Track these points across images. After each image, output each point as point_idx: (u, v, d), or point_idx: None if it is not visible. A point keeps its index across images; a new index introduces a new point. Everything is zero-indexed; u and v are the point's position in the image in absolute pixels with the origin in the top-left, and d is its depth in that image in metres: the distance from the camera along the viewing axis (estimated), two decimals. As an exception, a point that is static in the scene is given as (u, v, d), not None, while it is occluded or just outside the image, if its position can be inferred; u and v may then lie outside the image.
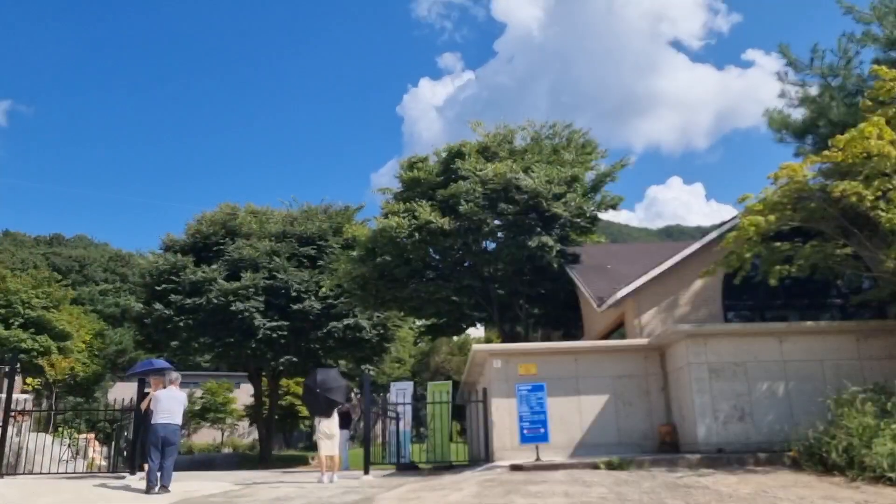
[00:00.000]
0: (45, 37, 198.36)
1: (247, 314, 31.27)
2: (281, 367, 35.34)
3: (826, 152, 12.80)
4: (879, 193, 11.82)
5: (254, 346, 31.94)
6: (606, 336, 18.85)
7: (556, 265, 21.13)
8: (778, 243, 13.20)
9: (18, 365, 21.91)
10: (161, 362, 14.43)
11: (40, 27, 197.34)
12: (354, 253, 24.28)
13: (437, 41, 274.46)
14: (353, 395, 13.30)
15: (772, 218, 12.85)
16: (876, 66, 13.68)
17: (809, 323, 13.88)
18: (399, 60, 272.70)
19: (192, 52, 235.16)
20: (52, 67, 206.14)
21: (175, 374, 11.91)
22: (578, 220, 22.02)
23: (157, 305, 32.23)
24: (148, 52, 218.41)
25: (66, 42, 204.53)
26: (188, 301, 31.82)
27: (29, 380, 37.56)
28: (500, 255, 21.68)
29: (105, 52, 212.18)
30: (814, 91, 16.50)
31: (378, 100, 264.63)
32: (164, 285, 32.51)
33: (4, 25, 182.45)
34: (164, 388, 11.62)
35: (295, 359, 34.01)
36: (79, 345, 45.94)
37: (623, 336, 16.98)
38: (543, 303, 23.28)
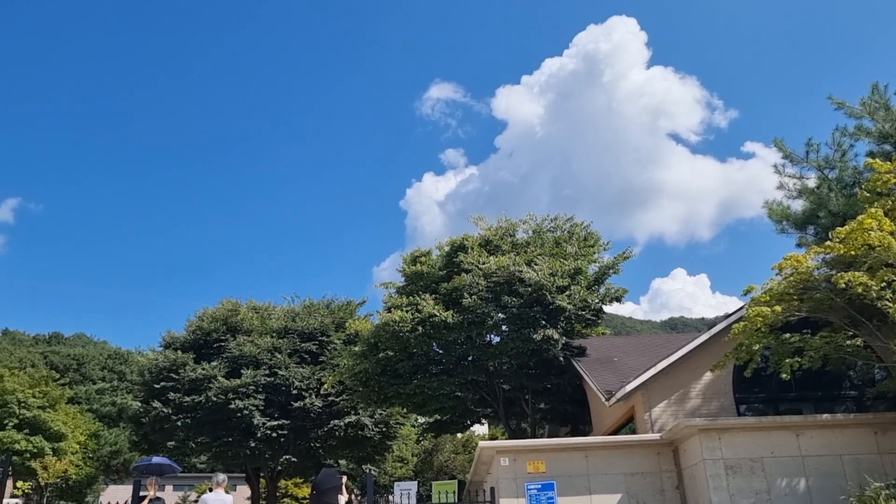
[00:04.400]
0: (54, 134, 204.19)
1: (246, 412, 30.67)
2: (280, 468, 34.35)
3: (828, 244, 12.91)
4: (884, 283, 11.83)
5: (253, 445, 31.17)
6: (616, 431, 18.39)
7: (561, 358, 20.88)
8: (787, 335, 13.08)
9: (10, 468, 21.30)
10: (161, 459, 14.07)
11: (50, 125, 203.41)
12: (357, 348, 24.01)
13: (441, 138, 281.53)
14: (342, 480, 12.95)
15: (778, 309, 12.81)
16: (870, 160, 14.01)
17: (826, 416, 13.55)
18: (403, 156, 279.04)
19: (197, 152, 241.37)
20: (61, 166, 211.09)
21: (222, 477, 11.59)
22: (583, 312, 21.91)
23: (156, 404, 31.67)
24: (149, 148, 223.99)
25: (72, 140, 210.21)
26: (187, 399, 31.28)
27: (20, 483, 36.42)
28: (505, 348, 21.45)
29: (106, 149, 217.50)
30: (811, 183, 16.82)
31: (382, 194, 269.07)
32: (162, 383, 32.05)
33: (19, 124, 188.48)
34: (211, 491, 11.30)
35: (294, 458, 33.11)
36: (73, 446, 44.85)
37: (633, 431, 16.55)
38: (550, 397, 22.83)
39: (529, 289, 20.87)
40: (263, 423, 30.84)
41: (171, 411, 31.36)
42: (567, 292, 21.41)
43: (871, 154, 15.68)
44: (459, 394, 22.92)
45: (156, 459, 16.20)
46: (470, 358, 22.68)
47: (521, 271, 20.95)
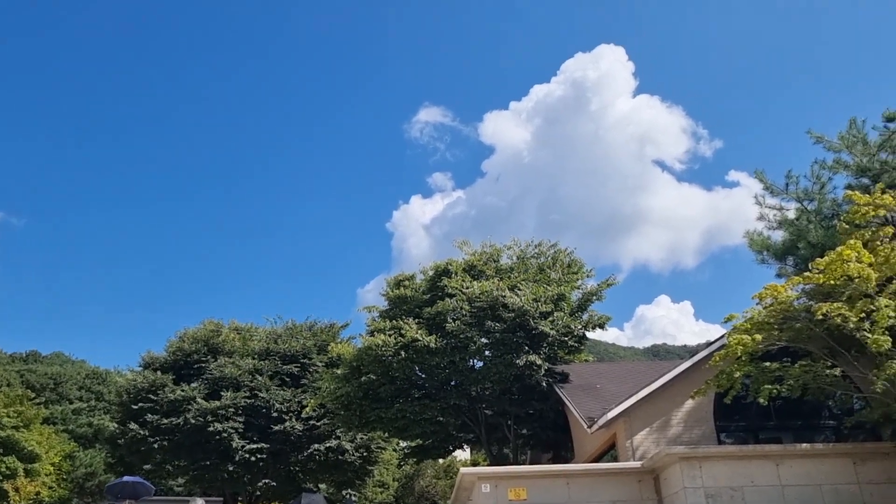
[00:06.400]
0: (40, 152, 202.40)
1: (225, 435, 30.26)
2: (258, 493, 33.85)
3: (807, 274, 13.08)
4: (863, 314, 11.98)
5: (231, 468, 30.70)
6: (598, 458, 18.35)
7: (544, 384, 20.87)
8: (767, 363, 13.19)
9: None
10: (133, 478, 13.85)
11: (35, 143, 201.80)
12: (339, 371, 23.87)
13: (430, 161, 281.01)
14: None
15: (758, 337, 12.93)
16: (849, 192, 14.27)
17: (805, 445, 13.62)
18: (391, 178, 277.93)
19: (180, 170, 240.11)
20: (45, 182, 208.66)
21: (200, 501, 11.39)
22: (566, 338, 21.96)
23: (133, 425, 31.19)
24: (135, 168, 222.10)
25: (59, 159, 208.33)
26: (165, 421, 30.83)
27: (-10, 506, 35.63)
28: (488, 373, 21.40)
29: (90, 171, 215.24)
30: (791, 214, 17.09)
31: (369, 217, 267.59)
32: (140, 404, 31.60)
33: (4, 136, 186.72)
34: None
35: (274, 483, 32.66)
36: (47, 467, 43.98)
37: (615, 458, 16.52)
38: (532, 423, 22.77)
39: (513, 314, 20.91)
40: (242, 447, 30.42)
41: (148, 433, 30.88)
42: (550, 318, 21.46)
43: (849, 187, 15.97)
44: (441, 419, 22.79)
45: (128, 478, 16.00)
46: (452, 383, 22.60)
47: (505, 296, 21.00)
